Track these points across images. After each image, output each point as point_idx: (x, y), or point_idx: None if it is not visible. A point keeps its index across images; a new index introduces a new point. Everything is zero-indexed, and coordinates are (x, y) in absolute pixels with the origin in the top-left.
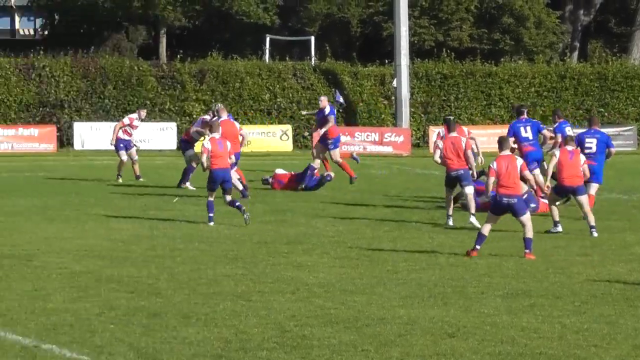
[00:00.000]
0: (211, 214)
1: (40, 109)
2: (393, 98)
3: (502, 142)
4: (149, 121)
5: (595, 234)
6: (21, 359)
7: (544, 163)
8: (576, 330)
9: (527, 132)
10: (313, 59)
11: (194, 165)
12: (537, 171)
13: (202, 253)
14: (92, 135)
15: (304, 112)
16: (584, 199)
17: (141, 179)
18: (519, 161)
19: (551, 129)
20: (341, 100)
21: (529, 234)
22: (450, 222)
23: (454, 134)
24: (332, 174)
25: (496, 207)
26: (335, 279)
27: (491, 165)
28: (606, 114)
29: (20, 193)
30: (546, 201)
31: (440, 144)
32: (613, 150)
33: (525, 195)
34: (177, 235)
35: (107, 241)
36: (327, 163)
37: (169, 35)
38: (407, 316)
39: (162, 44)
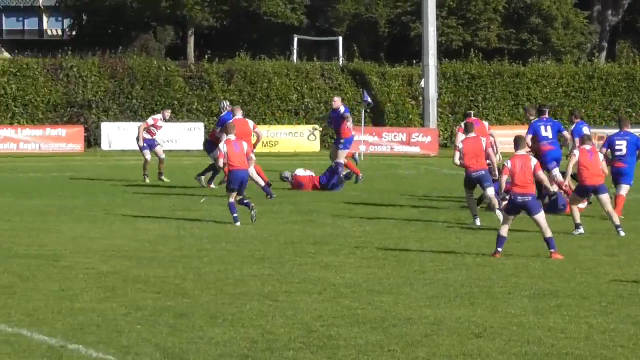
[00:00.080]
0: (235, 214)
1: (68, 109)
2: (421, 98)
3: (518, 141)
4: (177, 121)
5: (622, 234)
6: (48, 359)
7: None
8: (603, 331)
9: (547, 132)
10: (341, 59)
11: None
12: (557, 170)
13: (229, 253)
14: (120, 135)
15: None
16: (605, 197)
17: (164, 179)
18: (534, 161)
19: (570, 129)
20: (369, 100)
21: (548, 233)
22: (478, 222)
23: (472, 135)
24: (361, 175)
25: (511, 206)
26: (362, 279)
27: (505, 164)
28: (634, 114)
29: (47, 193)
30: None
31: (460, 145)
32: None
33: (555, 196)
34: (204, 236)
35: (134, 242)
36: (350, 163)
37: (197, 35)
38: (434, 316)
39: (190, 45)
